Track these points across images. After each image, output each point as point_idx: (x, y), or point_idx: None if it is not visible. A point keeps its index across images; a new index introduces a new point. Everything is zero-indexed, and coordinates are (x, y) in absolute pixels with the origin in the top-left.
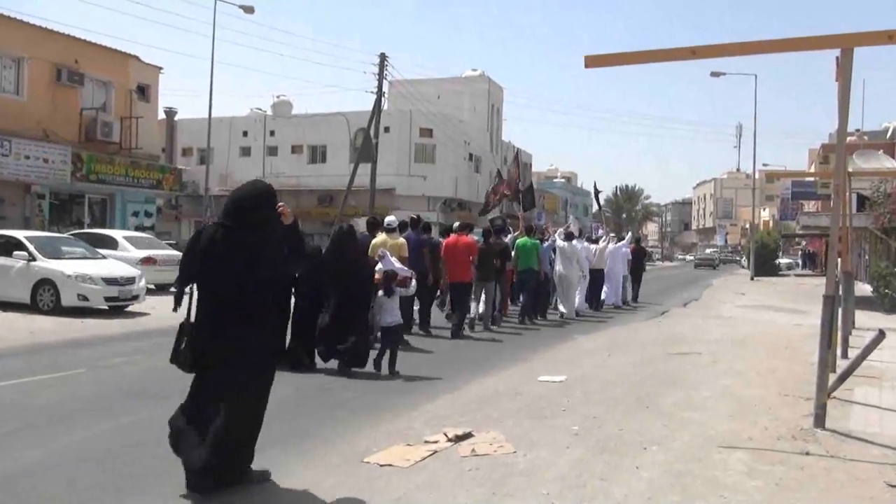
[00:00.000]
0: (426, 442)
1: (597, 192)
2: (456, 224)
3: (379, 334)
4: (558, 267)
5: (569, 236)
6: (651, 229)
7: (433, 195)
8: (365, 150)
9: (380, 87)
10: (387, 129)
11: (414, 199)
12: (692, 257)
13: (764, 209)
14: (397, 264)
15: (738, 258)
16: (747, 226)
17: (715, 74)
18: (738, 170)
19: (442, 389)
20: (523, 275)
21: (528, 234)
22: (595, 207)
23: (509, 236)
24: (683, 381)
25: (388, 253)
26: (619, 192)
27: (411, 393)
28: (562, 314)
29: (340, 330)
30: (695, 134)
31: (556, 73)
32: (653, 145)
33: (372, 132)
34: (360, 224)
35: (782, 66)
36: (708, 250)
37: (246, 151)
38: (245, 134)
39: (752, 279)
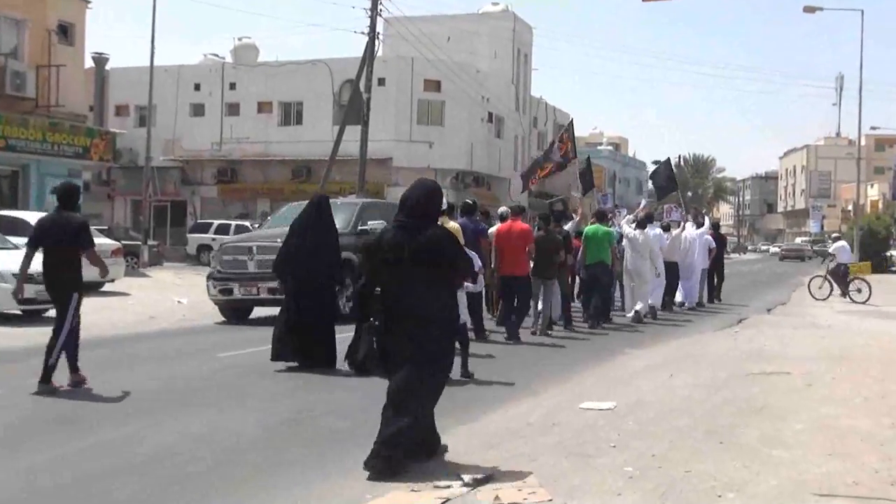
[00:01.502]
0: (436, 487)
1: (672, 166)
2: (502, 209)
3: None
4: (628, 260)
5: (640, 223)
6: (724, 211)
7: (442, 167)
8: (353, 108)
9: (373, 25)
10: (382, 82)
11: (417, 171)
12: (776, 248)
13: (872, 185)
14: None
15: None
16: (850, 207)
17: (809, 10)
18: (838, 134)
19: (460, 417)
20: (594, 269)
21: (599, 221)
22: (651, 184)
23: (570, 223)
24: (768, 409)
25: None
26: (682, 162)
27: None
28: (637, 314)
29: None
30: (783, 87)
31: (601, 9)
32: (728, 102)
33: (362, 85)
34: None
35: None
36: (798, 239)
37: (199, 110)
38: (198, 87)
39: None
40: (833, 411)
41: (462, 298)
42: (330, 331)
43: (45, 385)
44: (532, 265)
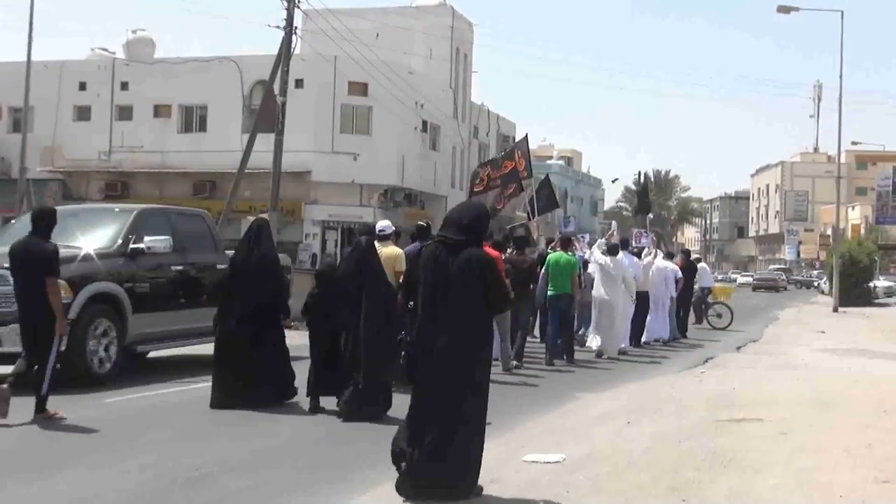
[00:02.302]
0: None
1: (642, 188)
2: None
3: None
4: (598, 290)
5: (612, 249)
6: (690, 235)
7: (368, 182)
8: (266, 113)
9: (289, 19)
10: (299, 84)
11: (339, 187)
12: (747, 277)
13: (853, 207)
14: None
15: (814, 279)
16: (829, 232)
17: (784, 10)
18: (815, 149)
19: (384, 474)
20: (559, 302)
21: (563, 248)
22: (606, 203)
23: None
24: (738, 461)
25: None
26: (643, 179)
27: (330, 479)
28: (599, 352)
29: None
30: (754, 97)
31: (553, 5)
32: (694, 114)
33: (276, 87)
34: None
35: None
36: (772, 267)
37: (84, 113)
38: (83, 87)
39: (835, 310)
40: (811, 464)
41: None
42: (277, 365)
43: (41, 414)
44: None
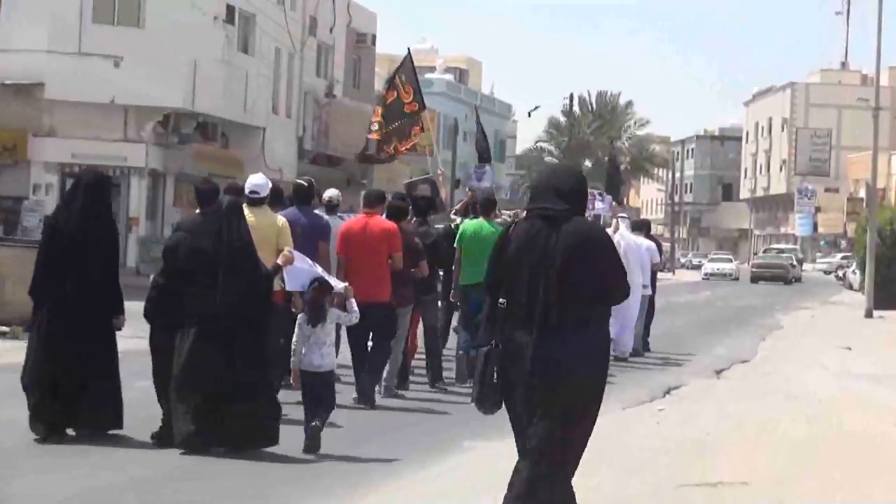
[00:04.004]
0: None
1: (613, 163)
2: (332, 192)
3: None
4: None
5: None
6: (648, 196)
7: (137, 103)
8: None
9: None
10: None
11: (91, 110)
12: (732, 265)
13: None
14: (319, 270)
15: (839, 266)
16: (861, 194)
17: None
18: (843, 65)
19: None
20: (475, 294)
21: (484, 214)
22: (520, 143)
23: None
24: None
25: (298, 253)
26: (577, 104)
27: None
28: None
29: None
30: None
31: None
32: (657, 11)
33: None
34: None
35: None
36: (779, 247)
37: None
38: None
39: (868, 314)
40: None
41: (331, 336)
42: (107, 382)
43: None
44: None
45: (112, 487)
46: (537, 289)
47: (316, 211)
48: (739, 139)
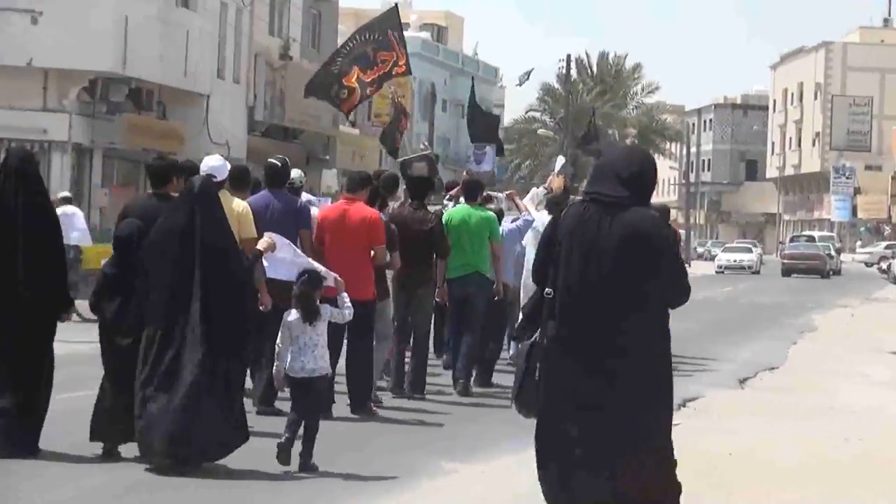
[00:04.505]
0: None
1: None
2: (296, 173)
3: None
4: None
5: (557, 202)
6: (661, 175)
7: (59, 66)
8: None
9: None
10: None
11: (3, 73)
12: (752, 255)
13: None
14: (307, 260)
15: (883, 257)
16: None
17: None
18: (886, 22)
19: None
20: (464, 287)
21: (468, 198)
22: (508, 112)
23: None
24: None
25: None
26: (575, 68)
27: None
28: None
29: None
30: None
31: None
32: None
33: None
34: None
35: None
36: (814, 235)
37: None
38: None
39: None
40: None
41: (323, 336)
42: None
43: None
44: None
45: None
46: (587, 280)
47: (302, 199)
48: (765, 108)
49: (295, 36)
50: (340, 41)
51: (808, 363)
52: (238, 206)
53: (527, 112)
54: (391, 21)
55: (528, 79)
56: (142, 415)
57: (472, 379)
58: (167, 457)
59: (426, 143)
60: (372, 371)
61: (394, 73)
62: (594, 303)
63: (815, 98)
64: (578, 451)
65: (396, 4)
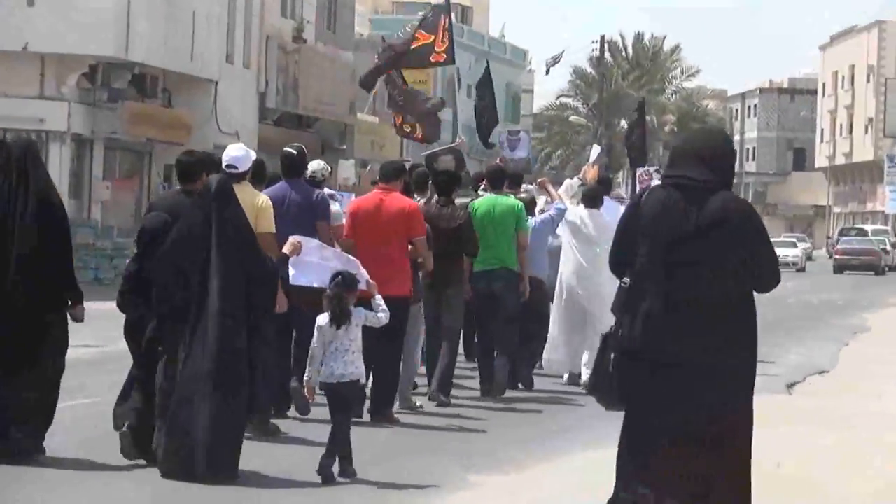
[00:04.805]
0: None
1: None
2: (316, 164)
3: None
4: (568, 269)
5: (590, 196)
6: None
7: (56, 51)
8: None
9: None
10: None
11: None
12: (796, 251)
13: None
14: (340, 257)
15: None
16: None
17: None
18: None
19: None
20: (490, 283)
21: (493, 187)
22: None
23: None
24: None
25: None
26: (609, 50)
27: None
28: (574, 377)
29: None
30: None
31: None
32: None
33: None
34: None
35: None
36: (868, 228)
37: None
38: None
39: None
40: None
41: (357, 341)
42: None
43: None
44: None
45: None
46: (672, 270)
47: (319, 190)
48: (814, 93)
49: (309, 17)
50: (358, 22)
51: (860, 366)
52: (258, 200)
53: (557, 97)
54: (444, 7)
55: (554, 64)
56: (165, 427)
57: (504, 379)
58: (196, 475)
59: (462, 137)
60: (398, 377)
61: (431, 59)
62: (679, 292)
63: (868, 81)
64: (660, 448)
65: None
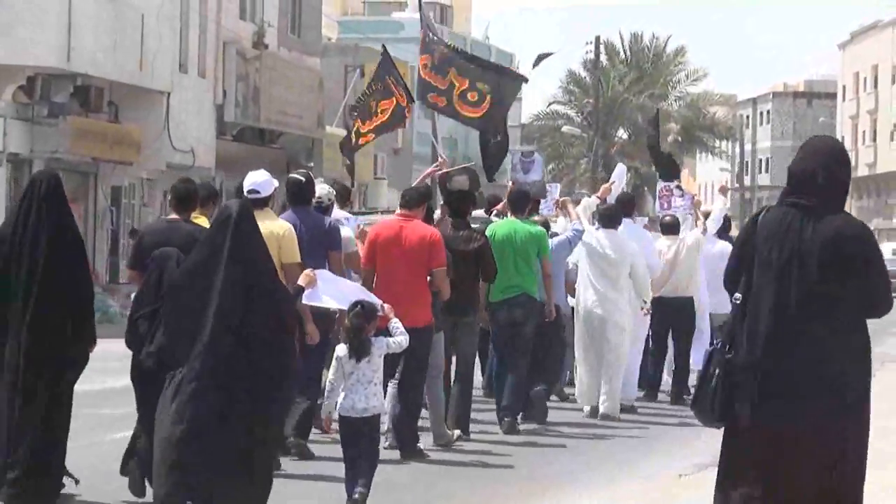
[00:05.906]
0: None
1: (653, 121)
2: (323, 189)
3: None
4: (585, 294)
5: (608, 215)
6: (707, 176)
7: None
8: None
9: None
10: None
11: None
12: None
13: None
14: (355, 289)
15: None
16: None
17: None
18: None
19: None
20: (510, 310)
21: (515, 211)
22: (526, 105)
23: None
24: None
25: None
26: (605, 52)
27: None
28: (595, 410)
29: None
30: None
31: None
32: None
33: None
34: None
35: None
36: (890, 248)
37: None
38: None
39: None
40: None
41: (378, 372)
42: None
43: None
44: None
45: None
46: (786, 288)
47: (329, 217)
48: (833, 96)
49: (271, 20)
50: (325, 24)
51: (890, 396)
52: (280, 229)
53: (549, 105)
54: (385, 66)
55: (543, 58)
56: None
57: (544, 406)
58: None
59: (443, 156)
60: (419, 409)
61: (407, 115)
62: (791, 311)
63: (893, 83)
64: (761, 473)
65: (384, 46)
